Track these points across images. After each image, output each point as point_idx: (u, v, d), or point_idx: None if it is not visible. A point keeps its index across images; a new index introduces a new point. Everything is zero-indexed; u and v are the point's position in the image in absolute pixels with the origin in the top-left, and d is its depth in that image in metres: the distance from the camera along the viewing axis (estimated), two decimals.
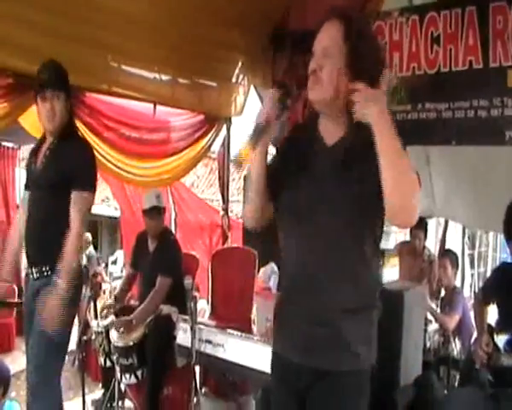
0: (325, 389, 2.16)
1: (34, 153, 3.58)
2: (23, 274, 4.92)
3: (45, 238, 3.41)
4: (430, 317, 5.17)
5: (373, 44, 2.16)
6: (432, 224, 9.12)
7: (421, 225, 6.15)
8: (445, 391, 4.13)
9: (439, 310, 5.62)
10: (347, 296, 2.11)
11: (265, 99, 2.26)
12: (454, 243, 9.55)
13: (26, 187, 3.65)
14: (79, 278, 3.49)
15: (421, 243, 6.38)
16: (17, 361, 9.64)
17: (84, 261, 3.69)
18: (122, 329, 4.65)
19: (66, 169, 3.36)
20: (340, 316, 2.10)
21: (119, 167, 5.46)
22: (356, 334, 2.11)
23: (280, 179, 2.25)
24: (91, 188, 3.46)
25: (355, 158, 2.09)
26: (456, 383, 4.45)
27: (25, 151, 10.87)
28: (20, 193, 11.05)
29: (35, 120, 4.82)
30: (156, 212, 5.02)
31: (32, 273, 3.44)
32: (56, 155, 3.46)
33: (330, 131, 2.21)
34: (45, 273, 3.38)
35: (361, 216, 2.07)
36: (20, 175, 10.93)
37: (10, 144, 10.52)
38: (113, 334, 4.68)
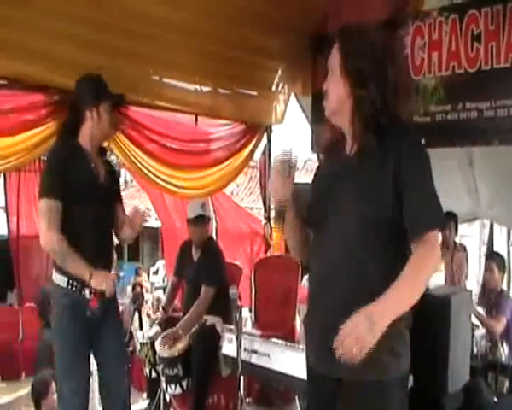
0: (350, 400, 2.17)
1: (84, 161, 3.47)
2: None
3: (111, 254, 3.61)
4: (476, 321, 5.05)
5: (368, 46, 2.18)
6: (476, 226, 8.97)
7: (450, 217, 6.00)
8: (494, 398, 4.03)
9: (483, 312, 5.51)
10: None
11: (272, 173, 2.44)
12: (499, 244, 9.36)
13: (61, 197, 3.34)
14: None
15: (452, 234, 6.24)
16: None
17: None
18: (168, 345, 4.67)
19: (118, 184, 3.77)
20: None
21: (161, 179, 5.52)
22: (379, 344, 2.05)
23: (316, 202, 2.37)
24: None
25: (367, 167, 2.15)
26: (505, 390, 4.34)
27: None
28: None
29: None
30: (201, 220, 5.04)
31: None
32: (111, 170, 3.68)
33: (349, 143, 2.28)
34: None
35: (379, 228, 2.11)
36: None
37: None
38: (159, 344, 4.71)
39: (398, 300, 1.99)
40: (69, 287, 3.31)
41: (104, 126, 3.52)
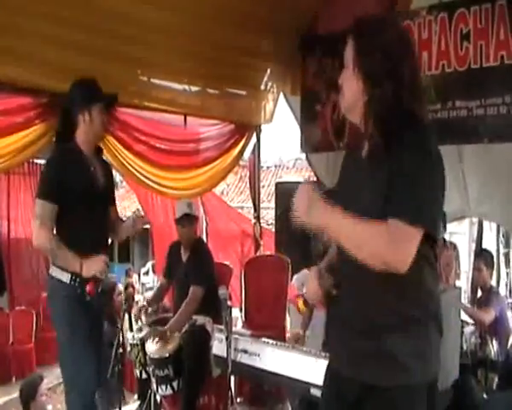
0: (374, 404, 2.11)
1: (84, 165, 3.55)
2: None
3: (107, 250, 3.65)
4: (465, 317, 5.07)
5: (383, 41, 2.07)
6: (465, 223, 9.01)
7: None
8: (484, 394, 4.04)
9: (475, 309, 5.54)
10: (392, 310, 2.04)
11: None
12: (488, 241, 9.41)
13: (56, 200, 3.45)
14: None
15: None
16: (53, 374, 9.77)
17: None
18: (157, 339, 4.65)
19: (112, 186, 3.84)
20: (386, 330, 2.04)
21: (151, 180, 5.50)
22: (404, 348, 2.04)
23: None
24: None
25: (374, 169, 2.07)
26: (495, 386, 4.35)
27: None
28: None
29: None
30: (188, 220, 5.01)
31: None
32: (107, 171, 3.78)
33: (364, 143, 2.20)
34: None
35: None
36: None
37: (42, 161, 10.63)
38: (149, 346, 4.68)
39: (336, 222, 2.01)
40: (72, 283, 3.42)
41: (96, 128, 3.57)
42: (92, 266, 3.35)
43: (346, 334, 2.15)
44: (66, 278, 3.43)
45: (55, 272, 3.48)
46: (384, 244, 1.90)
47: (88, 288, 3.37)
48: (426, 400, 2.12)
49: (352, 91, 2.13)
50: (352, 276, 2.11)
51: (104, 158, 3.93)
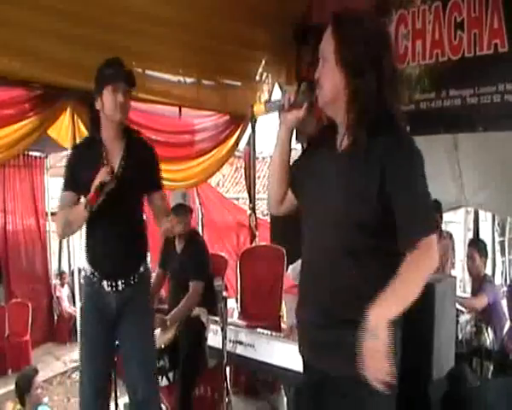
0: (338, 394, 2.14)
1: (95, 156, 3.37)
2: None
3: (130, 244, 3.44)
4: (458, 305, 5.08)
5: (363, 33, 2.06)
6: (461, 212, 9.02)
7: (434, 206, 6.03)
8: (479, 383, 4.05)
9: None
10: (349, 308, 2.04)
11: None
12: (484, 230, 9.42)
13: (73, 189, 3.44)
14: None
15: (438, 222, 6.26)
16: (49, 367, 9.79)
17: None
18: (157, 326, 4.66)
19: (147, 169, 3.44)
20: (344, 326, 2.03)
21: None
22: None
23: (299, 179, 2.31)
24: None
25: (354, 163, 2.06)
26: (490, 374, 4.37)
27: (52, 160, 11.01)
28: (48, 201, 11.20)
29: (62, 128, 4.90)
30: (182, 210, 4.99)
31: (117, 285, 3.41)
32: (135, 157, 3.41)
33: (342, 135, 2.17)
34: (131, 282, 3.43)
35: (359, 224, 2.03)
36: (49, 183, 11.08)
37: (37, 153, 10.65)
38: None
39: (393, 302, 1.91)
40: (91, 276, 3.41)
41: (108, 113, 3.32)
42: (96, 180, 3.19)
43: (309, 324, 2.21)
44: (88, 271, 3.43)
45: (84, 265, 3.52)
46: (428, 263, 1.97)
47: (90, 198, 3.19)
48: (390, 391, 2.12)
49: (332, 84, 2.09)
50: (315, 269, 2.17)
51: (146, 144, 3.57)
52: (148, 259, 3.54)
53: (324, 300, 2.12)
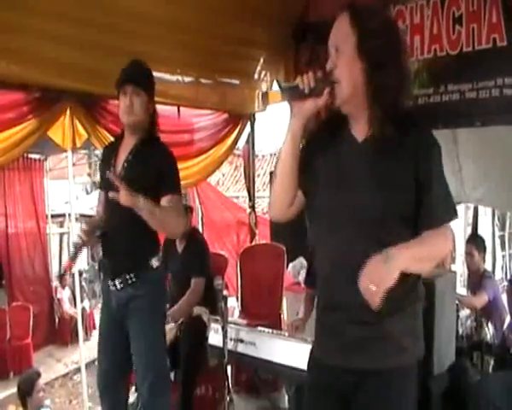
0: (374, 389, 2.09)
1: (112, 157, 3.51)
2: None
3: (130, 243, 3.42)
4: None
5: (383, 26, 2.03)
6: (460, 207, 9.02)
7: None
8: (480, 377, 4.06)
9: (469, 294, 5.56)
10: (392, 295, 2.02)
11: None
12: (484, 224, 9.43)
13: (102, 187, 3.65)
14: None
15: None
16: (51, 369, 9.80)
17: None
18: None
19: (153, 172, 3.35)
20: (386, 314, 2.01)
21: None
22: (402, 329, 2.07)
23: (311, 175, 2.18)
24: (180, 191, 3.53)
25: (385, 155, 2.04)
26: (491, 369, 4.37)
27: (51, 162, 11.02)
28: (48, 204, 11.22)
29: (62, 130, 4.89)
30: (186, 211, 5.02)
31: (115, 284, 3.45)
32: (140, 159, 3.43)
33: (359, 128, 2.13)
34: (129, 281, 3.42)
35: (394, 215, 2.03)
36: (48, 186, 11.09)
37: (37, 156, 10.66)
38: None
39: (417, 251, 1.98)
40: (100, 272, 3.62)
41: (121, 115, 3.46)
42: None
43: (342, 322, 2.12)
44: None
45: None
46: (444, 249, 2.12)
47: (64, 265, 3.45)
48: (415, 378, 2.16)
49: (351, 78, 2.01)
50: (346, 264, 2.06)
51: (159, 148, 3.53)
52: (155, 260, 3.48)
53: (361, 297, 2.00)
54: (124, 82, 3.44)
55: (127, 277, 3.40)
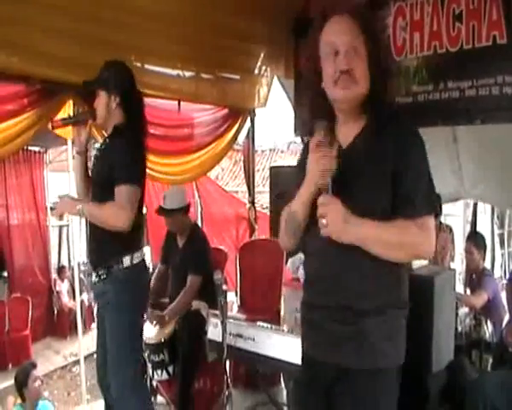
0: (347, 388, 2.16)
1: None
2: None
3: (101, 239, 3.46)
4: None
5: (379, 33, 2.22)
6: (460, 205, 9.03)
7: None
8: (478, 375, 4.07)
9: (469, 292, 5.56)
10: (371, 296, 2.09)
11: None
12: (483, 222, 9.43)
13: None
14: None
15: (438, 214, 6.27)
16: (49, 361, 9.81)
17: None
18: (155, 322, 4.67)
19: (109, 165, 3.39)
20: (364, 314, 2.08)
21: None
22: (380, 333, 2.10)
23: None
24: (130, 181, 3.39)
25: (368, 158, 2.09)
26: (489, 367, 4.39)
27: (51, 154, 11.01)
28: (48, 196, 11.21)
29: None
30: (182, 212, 5.03)
31: (93, 278, 3.54)
32: (102, 154, 3.56)
33: (346, 131, 2.19)
34: (101, 277, 3.46)
35: (380, 216, 2.05)
36: (48, 178, 11.08)
37: (37, 148, 10.64)
38: (148, 329, 4.70)
39: (381, 232, 2.02)
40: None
41: None
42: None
43: (324, 319, 2.19)
44: None
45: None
46: (419, 241, 2.07)
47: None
48: (394, 384, 2.20)
49: (366, 77, 2.08)
50: (331, 263, 2.14)
51: (116, 140, 3.55)
52: (128, 258, 3.46)
53: (345, 293, 2.11)
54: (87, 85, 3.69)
55: (100, 272, 3.46)
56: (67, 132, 4.82)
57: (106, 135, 3.69)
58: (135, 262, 3.50)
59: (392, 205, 2.07)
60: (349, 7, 2.15)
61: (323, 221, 2.01)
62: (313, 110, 2.29)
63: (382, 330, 2.09)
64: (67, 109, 4.67)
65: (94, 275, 3.52)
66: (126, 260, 3.45)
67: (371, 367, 2.11)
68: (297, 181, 2.27)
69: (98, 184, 3.51)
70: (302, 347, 2.42)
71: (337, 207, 2.01)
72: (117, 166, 3.37)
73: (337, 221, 2.00)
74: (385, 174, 2.06)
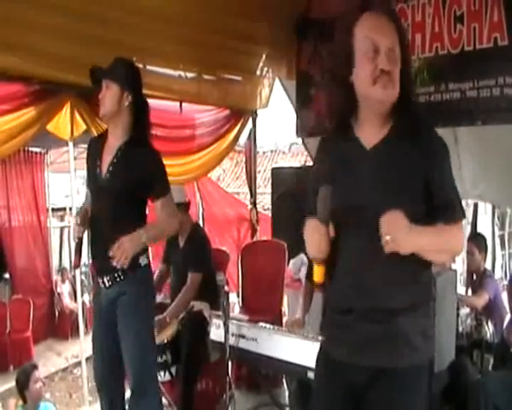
0: (385, 388, 2.10)
1: (97, 155, 3.44)
2: None
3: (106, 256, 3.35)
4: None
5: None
6: None
7: None
8: (479, 376, 4.08)
9: (470, 293, 5.56)
10: (404, 295, 2.08)
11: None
12: (483, 223, 9.43)
13: (88, 187, 3.61)
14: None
15: None
16: (51, 363, 9.81)
17: None
18: (156, 329, 4.66)
19: (138, 179, 3.31)
20: (399, 312, 2.06)
21: None
22: (414, 329, 2.09)
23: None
24: (169, 190, 3.48)
25: (395, 160, 2.08)
26: (490, 367, 4.39)
27: (52, 155, 11.01)
28: (49, 197, 11.22)
29: (62, 123, 4.91)
30: (181, 208, 5.01)
31: (104, 282, 3.44)
32: (124, 164, 3.36)
33: (371, 131, 2.14)
34: (117, 279, 3.40)
35: (408, 217, 2.00)
36: (49, 179, 11.09)
37: (38, 149, 10.64)
38: None
39: (432, 239, 2.04)
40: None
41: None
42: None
43: (356, 321, 2.13)
44: None
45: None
46: (460, 243, 2.16)
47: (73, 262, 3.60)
48: (428, 378, 2.19)
49: (398, 80, 2.06)
50: (361, 266, 2.10)
51: (143, 152, 3.41)
52: (143, 258, 3.44)
53: (379, 295, 2.08)
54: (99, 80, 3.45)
55: (115, 275, 3.37)
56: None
57: (103, 128, 3.60)
58: (147, 262, 3.51)
59: (425, 209, 2.06)
60: (385, 6, 2.14)
61: (387, 238, 1.96)
62: (340, 103, 2.21)
63: (416, 327, 2.09)
64: (67, 109, 4.70)
65: (106, 279, 3.41)
66: (143, 261, 3.45)
67: (409, 365, 2.09)
68: (317, 176, 2.25)
69: (121, 199, 3.33)
70: (325, 352, 2.33)
71: (402, 222, 1.96)
72: (156, 180, 3.39)
73: (401, 236, 1.96)
74: (417, 180, 2.05)
